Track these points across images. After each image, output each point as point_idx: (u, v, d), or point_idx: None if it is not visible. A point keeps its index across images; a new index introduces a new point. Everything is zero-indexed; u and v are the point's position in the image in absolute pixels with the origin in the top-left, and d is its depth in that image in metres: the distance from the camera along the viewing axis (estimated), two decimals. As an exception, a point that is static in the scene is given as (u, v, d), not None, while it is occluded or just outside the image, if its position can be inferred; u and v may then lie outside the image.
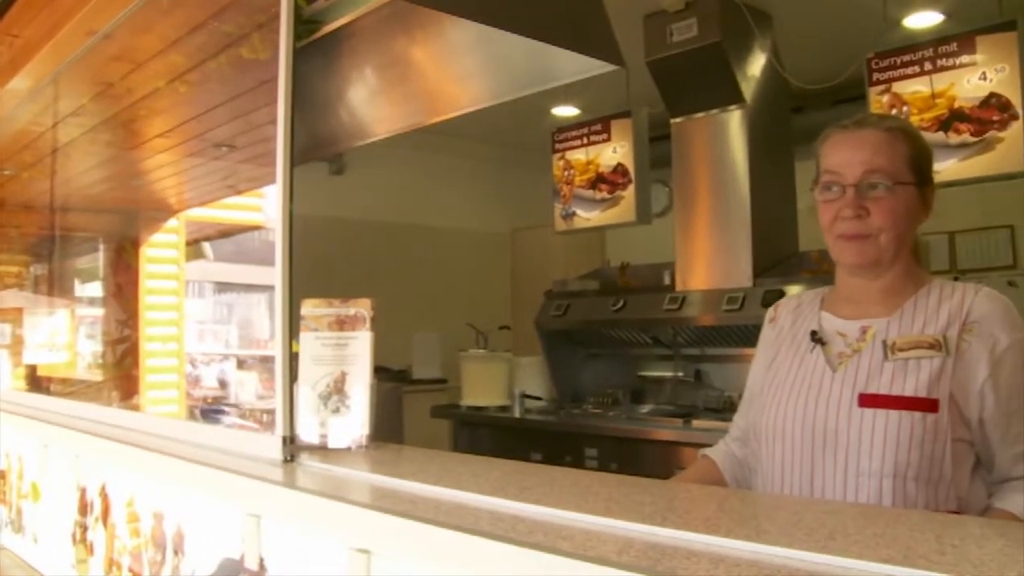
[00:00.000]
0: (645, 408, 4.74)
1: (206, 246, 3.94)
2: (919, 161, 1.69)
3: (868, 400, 1.59)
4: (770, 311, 1.97)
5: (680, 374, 4.85)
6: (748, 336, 4.13)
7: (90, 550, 2.33)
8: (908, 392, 1.57)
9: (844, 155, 1.70)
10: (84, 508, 2.35)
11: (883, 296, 1.71)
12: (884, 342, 1.64)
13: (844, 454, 1.60)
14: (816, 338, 1.74)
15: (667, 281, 4.74)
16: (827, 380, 1.67)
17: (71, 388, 3.22)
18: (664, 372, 4.96)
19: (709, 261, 4.55)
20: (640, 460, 4.09)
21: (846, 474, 1.60)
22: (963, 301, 1.63)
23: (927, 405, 1.55)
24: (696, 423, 4.08)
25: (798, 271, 4.29)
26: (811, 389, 1.68)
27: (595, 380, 5.15)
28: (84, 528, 2.36)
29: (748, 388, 1.95)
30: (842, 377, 1.65)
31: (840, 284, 1.81)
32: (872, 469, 1.57)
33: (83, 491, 2.37)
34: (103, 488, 2.26)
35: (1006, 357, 1.58)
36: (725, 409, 4.30)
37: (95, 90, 3.18)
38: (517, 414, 4.80)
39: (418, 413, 5.53)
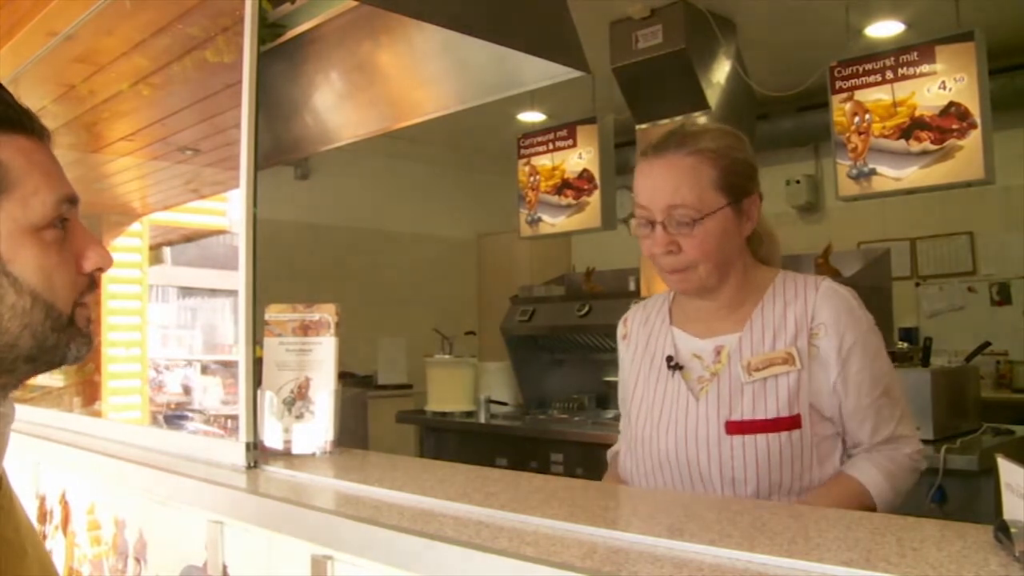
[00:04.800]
0: (610, 413, 4.74)
1: (165, 251, 3.90)
2: (730, 178, 1.64)
3: (735, 427, 1.59)
4: (620, 327, 1.95)
5: (645, 379, 4.85)
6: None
7: (49, 558, 2.30)
8: (771, 413, 1.58)
9: (648, 190, 1.66)
10: (43, 516, 2.32)
11: (727, 312, 1.71)
12: (739, 362, 1.63)
13: (719, 482, 1.61)
14: (672, 364, 1.72)
15: (632, 287, 4.77)
16: (692, 408, 1.65)
17: (31, 394, 3.17)
18: (629, 377, 4.95)
19: (674, 267, 4.55)
20: (605, 465, 4.08)
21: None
22: (807, 304, 1.64)
23: (790, 423, 1.58)
24: (661, 428, 4.08)
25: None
26: (678, 420, 1.66)
27: (561, 385, 5.15)
28: (43, 537, 2.32)
29: (621, 405, 1.91)
30: (705, 404, 1.64)
31: (684, 301, 1.80)
32: (747, 492, 1.59)
33: (42, 499, 2.34)
34: (63, 496, 2.23)
35: (852, 354, 1.61)
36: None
37: (57, 92, 3.14)
38: (483, 420, 4.78)
39: (383, 419, 5.50)
